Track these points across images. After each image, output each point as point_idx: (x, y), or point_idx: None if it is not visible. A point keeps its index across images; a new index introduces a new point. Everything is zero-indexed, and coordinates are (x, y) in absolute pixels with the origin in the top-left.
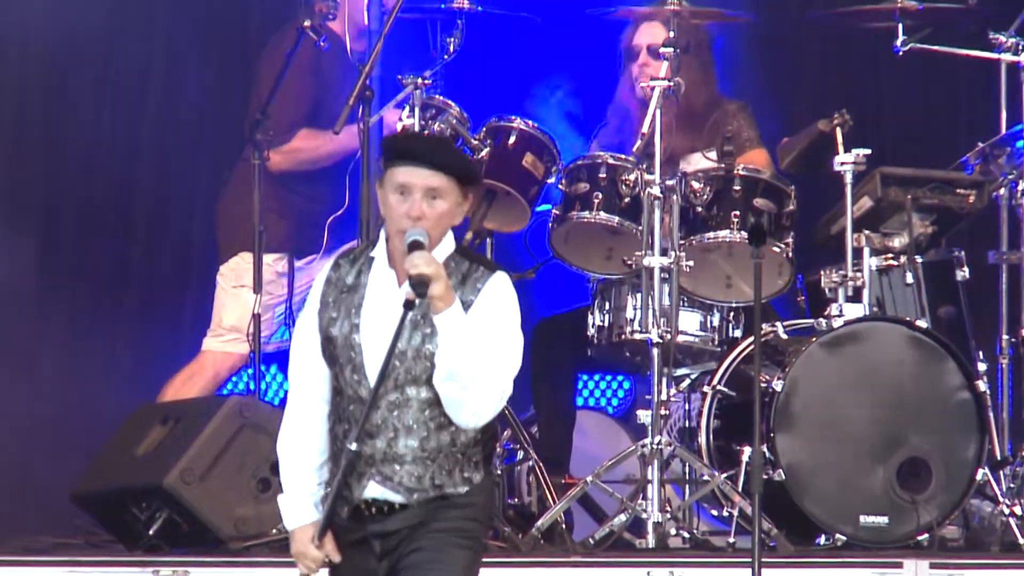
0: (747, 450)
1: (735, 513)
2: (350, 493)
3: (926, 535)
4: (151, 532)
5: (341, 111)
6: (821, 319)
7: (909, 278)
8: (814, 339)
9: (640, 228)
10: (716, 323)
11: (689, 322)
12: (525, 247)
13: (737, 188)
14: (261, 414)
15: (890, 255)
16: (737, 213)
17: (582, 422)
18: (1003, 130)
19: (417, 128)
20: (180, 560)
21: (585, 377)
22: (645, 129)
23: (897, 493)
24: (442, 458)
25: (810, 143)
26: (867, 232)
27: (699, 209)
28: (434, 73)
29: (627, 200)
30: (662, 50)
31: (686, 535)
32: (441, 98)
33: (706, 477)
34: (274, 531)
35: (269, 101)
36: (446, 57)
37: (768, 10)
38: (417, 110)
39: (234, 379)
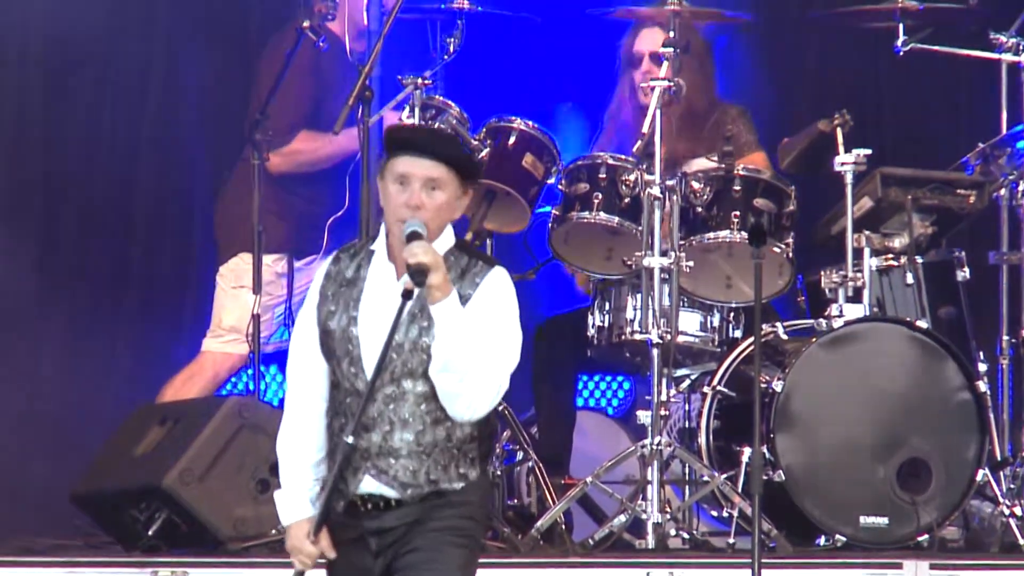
0: (747, 451)
1: (735, 514)
2: (345, 487)
3: (926, 536)
4: (150, 533)
5: (340, 112)
6: (821, 319)
7: (909, 278)
8: (814, 339)
9: (640, 228)
10: (716, 323)
11: (689, 322)
12: (525, 248)
13: (737, 188)
14: (260, 415)
15: (890, 255)
16: (737, 213)
17: (582, 423)
18: (1003, 130)
19: None
20: (179, 561)
21: (585, 378)
22: (645, 129)
23: (897, 494)
24: (437, 453)
25: (810, 143)
26: (867, 232)
27: (699, 209)
28: (434, 73)
29: (627, 200)
30: (662, 50)
31: (686, 536)
32: (441, 98)
33: (706, 478)
34: (273, 532)
35: (268, 101)
36: (446, 57)
37: (768, 10)
38: (417, 110)
39: (233, 379)
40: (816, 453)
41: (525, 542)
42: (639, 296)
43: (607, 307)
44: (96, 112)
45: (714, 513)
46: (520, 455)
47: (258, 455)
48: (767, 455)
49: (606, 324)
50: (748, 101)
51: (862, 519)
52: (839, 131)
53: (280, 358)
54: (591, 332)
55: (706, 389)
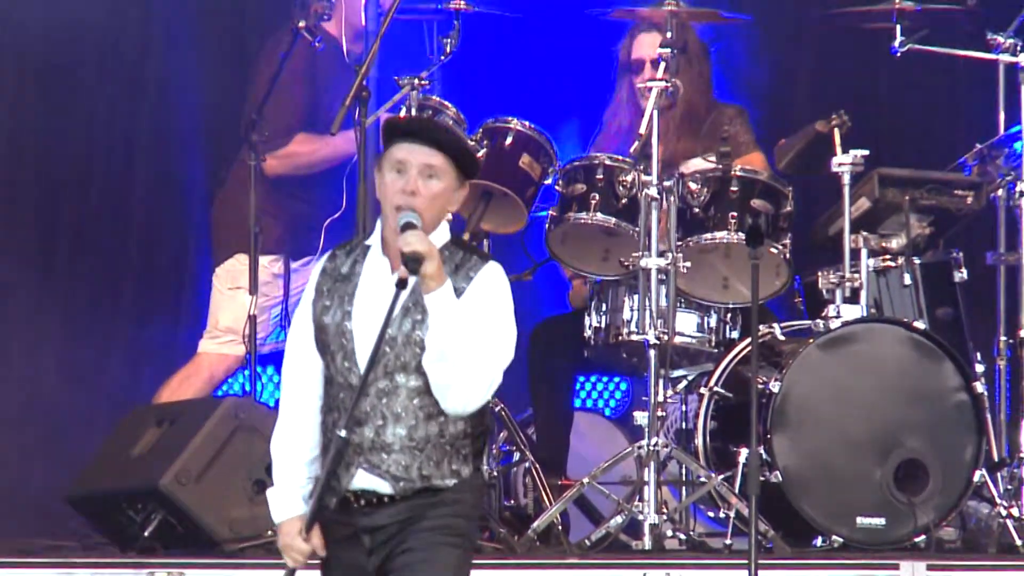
0: (744, 451)
1: (732, 515)
2: (338, 483)
3: (923, 537)
4: (146, 534)
5: (337, 113)
6: (818, 320)
7: (907, 279)
8: (811, 340)
9: (637, 229)
10: (713, 324)
11: (686, 323)
12: (522, 248)
13: (734, 189)
14: (256, 416)
15: (888, 256)
16: (734, 214)
17: (579, 423)
18: (1001, 131)
19: None
20: (175, 562)
21: (582, 378)
22: (642, 130)
23: (894, 495)
24: (430, 448)
25: (808, 144)
26: (865, 233)
27: (696, 210)
28: (430, 74)
29: (624, 201)
30: (659, 51)
31: (683, 537)
32: (438, 99)
33: (703, 478)
34: (269, 532)
35: (264, 102)
36: (443, 58)
37: (766, 11)
38: (414, 111)
39: (230, 381)
40: (813, 454)
41: (522, 543)
42: (636, 297)
43: (604, 308)
44: (93, 113)
45: (711, 514)
46: (517, 456)
47: (254, 456)
48: (764, 456)
49: (603, 325)
50: (745, 102)
51: (859, 520)
52: (836, 132)
53: (276, 359)
54: (588, 333)
55: (703, 390)
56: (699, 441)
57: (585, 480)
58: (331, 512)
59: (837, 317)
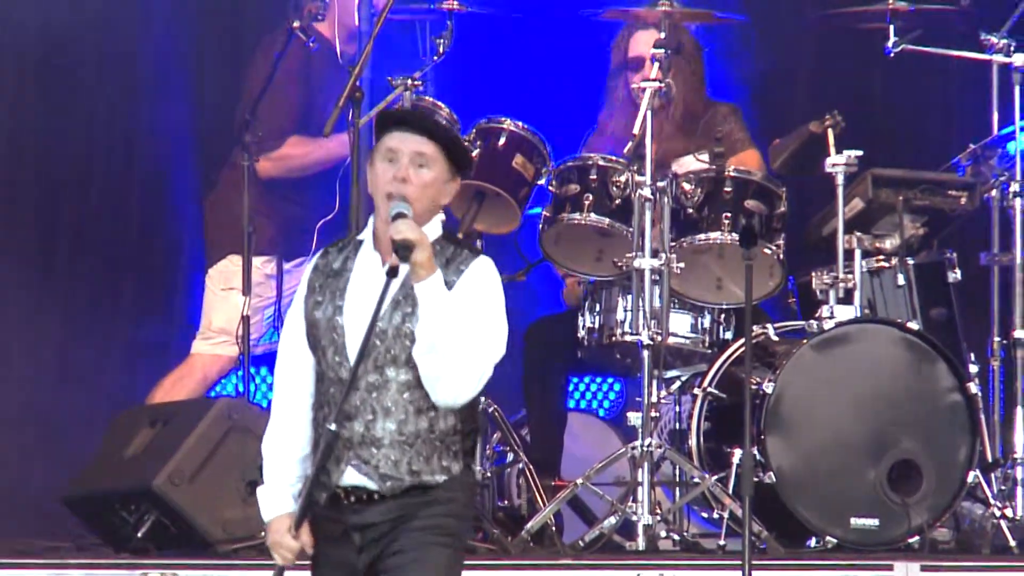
0: (737, 452)
1: (725, 515)
2: (328, 478)
3: (917, 537)
4: (139, 534)
5: (330, 114)
6: (812, 321)
7: (900, 280)
8: (805, 341)
9: (631, 230)
10: (707, 325)
11: (680, 324)
12: (515, 249)
13: (728, 190)
14: (249, 416)
15: (881, 257)
16: (728, 215)
17: (572, 424)
18: (995, 131)
19: None
20: (168, 563)
21: (576, 379)
22: (636, 130)
23: (888, 495)
24: (420, 443)
25: (801, 144)
26: (858, 234)
27: (690, 211)
28: (424, 74)
29: (618, 202)
30: (653, 51)
31: (676, 537)
32: (431, 99)
33: (696, 479)
34: (262, 533)
35: (258, 102)
36: (436, 58)
37: (759, 11)
38: None
39: (223, 381)
40: (807, 455)
41: (515, 544)
42: (630, 298)
43: (597, 308)
44: (90, 114)
45: (705, 515)
46: (510, 456)
47: (247, 457)
48: (758, 457)
49: (596, 325)
50: (740, 102)
51: (853, 520)
52: (830, 132)
53: (269, 360)
54: (581, 333)
55: (697, 391)
56: (693, 442)
57: (579, 481)
58: (321, 509)
59: (831, 318)
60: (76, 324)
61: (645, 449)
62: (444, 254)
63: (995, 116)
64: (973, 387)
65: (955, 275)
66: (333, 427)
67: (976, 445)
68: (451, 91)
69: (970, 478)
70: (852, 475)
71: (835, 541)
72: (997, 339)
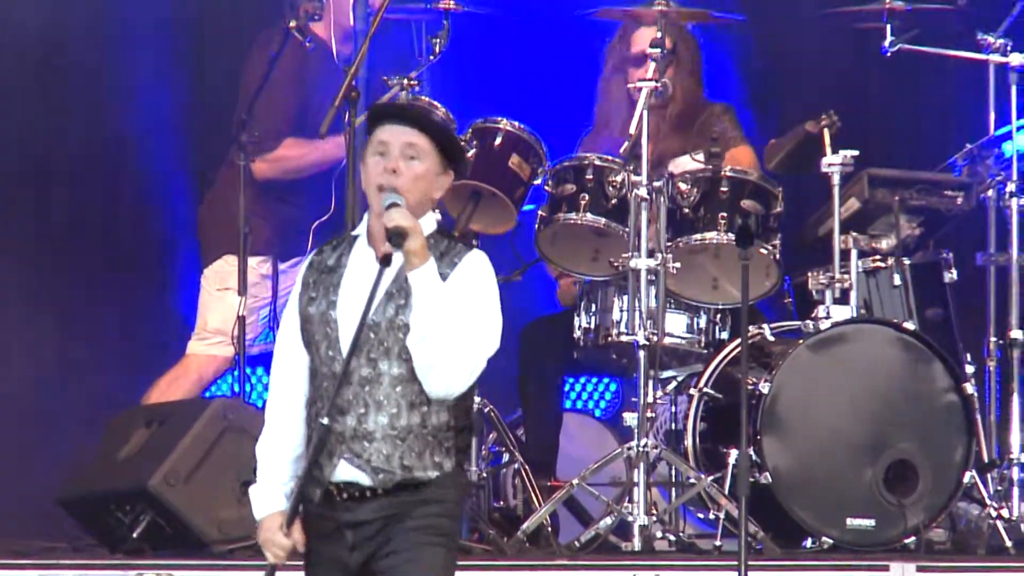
0: (733, 453)
1: (721, 516)
2: (321, 473)
3: (913, 538)
4: (135, 535)
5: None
6: (808, 321)
7: (897, 280)
8: (801, 341)
9: (627, 230)
10: (703, 325)
11: (676, 324)
12: (511, 249)
13: (724, 189)
14: (245, 416)
15: (877, 257)
16: (724, 215)
17: (568, 425)
18: (991, 131)
19: None
20: (164, 563)
21: (571, 379)
22: (632, 130)
23: (884, 496)
24: (412, 438)
25: (798, 144)
26: (854, 234)
27: (686, 210)
28: (420, 74)
29: (614, 201)
30: (649, 51)
31: (672, 538)
32: (427, 99)
33: (692, 480)
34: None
35: (254, 102)
36: (432, 58)
37: (757, 11)
38: None
39: (218, 382)
40: (803, 455)
41: (511, 544)
42: (625, 298)
43: (593, 309)
44: (83, 114)
45: (700, 515)
46: (506, 457)
47: (243, 457)
48: (754, 457)
49: (592, 326)
50: (736, 101)
51: (849, 521)
52: (826, 132)
53: (265, 360)
54: (577, 334)
55: (692, 391)
56: (689, 442)
57: (575, 481)
58: (314, 507)
59: (827, 318)
60: (71, 325)
61: (641, 449)
62: (438, 248)
63: (992, 116)
64: (969, 387)
65: (951, 275)
66: (325, 421)
67: (972, 445)
68: (447, 91)
69: (966, 478)
70: (848, 475)
71: (831, 541)
72: (993, 339)
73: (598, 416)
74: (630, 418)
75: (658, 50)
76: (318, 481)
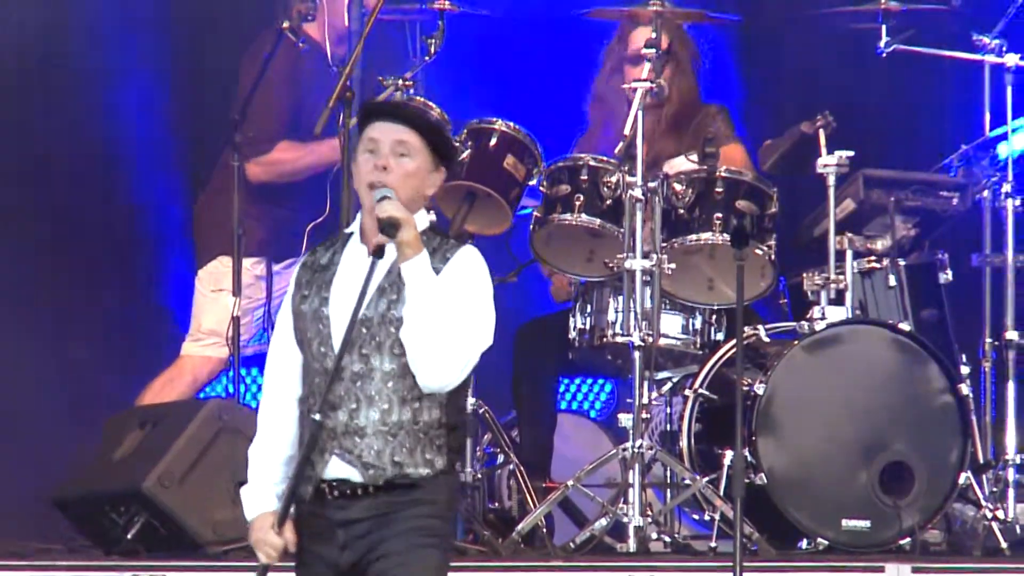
0: (729, 454)
1: (717, 517)
2: (313, 470)
3: (908, 539)
4: (129, 536)
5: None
6: (803, 322)
7: (892, 281)
8: (796, 342)
9: (622, 230)
10: (698, 326)
11: (671, 325)
12: (506, 250)
13: (719, 190)
14: (240, 417)
15: (873, 257)
16: (719, 215)
17: (563, 426)
18: (987, 132)
19: None
20: (158, 564)
21: (567, 380)
22: (627, 131)
23: (879, 497)
24: (403, 434)
25: (793, 145)
26: (850, 234)
27: (681, 211)
28: (415, 74)
29: (609, 202)
30: (644, 51)
31: (667, 539)
32: (422, 99)
33: (688, 481)
34: None
35: (248, 103)
36: (427, 58)
37: (752, 11)
38: None
39: (213, 383)
40: (798, 456)
41: (506, 545)
42: (621, 298)
43: (589, 309)
44: (74, 116)
45: (696, 516)
46: (501, 458)
47: (238, 458)
48: (749, 458)
49: (587, 326)
50: (731, 102)
51: (844, 522)
52: (822, 133)
53: (260, 361)
54: (572, 335)
55: (688, 392)
56: (684, 443)
57: (569, 482)
58: (305, 505)
59: (822, 319)
60: (65, 325)
61: (636, 450)
62: (431, 244)
63: (987, 117)
64: (965, 388)
65: (947, 276)
66: (317, 417)
67: (968, 447)
68: (442, 91)
69: (962, 480)
70: (843, 477)
71: (826, 543)
72: (989, 340)
73: (593, 417)
74: (625, 419)
75: (653, 50)
76: (310, 478)
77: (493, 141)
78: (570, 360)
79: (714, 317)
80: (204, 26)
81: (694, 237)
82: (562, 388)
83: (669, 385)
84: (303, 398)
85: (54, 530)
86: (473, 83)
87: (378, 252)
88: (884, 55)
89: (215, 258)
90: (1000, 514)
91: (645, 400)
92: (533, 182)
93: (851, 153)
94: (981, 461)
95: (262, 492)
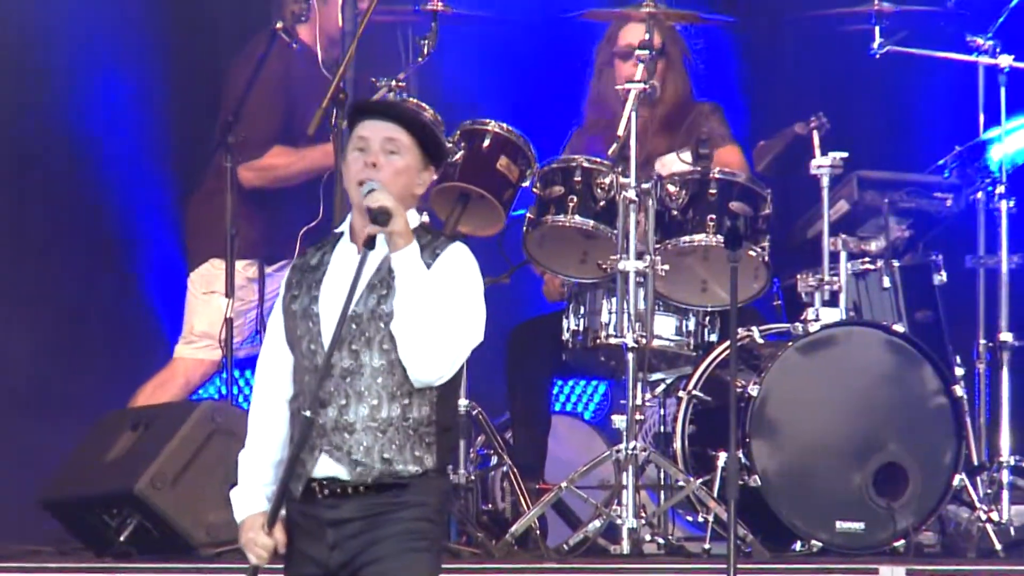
0: (722, 455)
1: (710, 519)
2: (303, 468)
3: (902, 541)
4: (121, 539)
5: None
6: (797, 323)
7: (886, 282)
8: (790, 343)
9: (615, 232)
10: (691, 327)
11: (664, 326)
12: (499, 251)
13: (713, 191)
14: (233, 419)
15: (867, 259)
16: (713, 217)
17: (557, 427)
18: (981, 133)
19: None
20: (150, 567)
21: (560, 382)
22: (620, 132)
23: (873, 499)
24: (392, 431)
25: (787, 146)
26: (844, 236)
27: (675, 213)
28: (407, 76)
29: (602, 203)
30: (638, 52)
31: (661, 541)
32: (415, 101)
33: (681, 483)
34: None
35: (241, 104)
36: (420, 59)
37: (746, 12)
38: None
39: (205, 385)
40: (792, 458)
41: (499, 547)
42: (614, 300)
43: (582, 311)
44: (65, 118)
45: (689, 518)
46: (494, 460)
47: (230, 460)
48: (743, 460)
49: (581, 328)
50: (725, 103)
51: (838, 524)
52: (816, 134)
53: (252, 363)
54: (566, 336)
55: (681, 393)
56: (677, 445)
57: (563, 484)
58: (295, 504)
59: (816, 320)
60: (53, 328)
61: (630, 452)
62: (420, 241)
63: (981, 118)
64: (959, 390)
65: (941, 277)
66: (308, 413)
67: (962, 448)
68: (435, 92)
69: (956, 481)
70: (837, 478)
71: (820, 545)
72: (983, 342)
73: (587, 419)
74: (619, 421)
75: (647, 52)
76: (300, 476)
77: (486, 142)
78: (563, 361)
79: (707, 318)
80: (197, 25)
81: (688, 238)
82: (556, 390)
83: (663, 387)
84: (293, 398)
85: (44, 532)
86: (466, 84)
87: (369, 243)
88: (878, 56)
89: (207, 260)
90: (994, 516)
91: (639, 402)
92: (526, 183)
93: (845, 154)
94: (975, 463)
95: (252, 494)
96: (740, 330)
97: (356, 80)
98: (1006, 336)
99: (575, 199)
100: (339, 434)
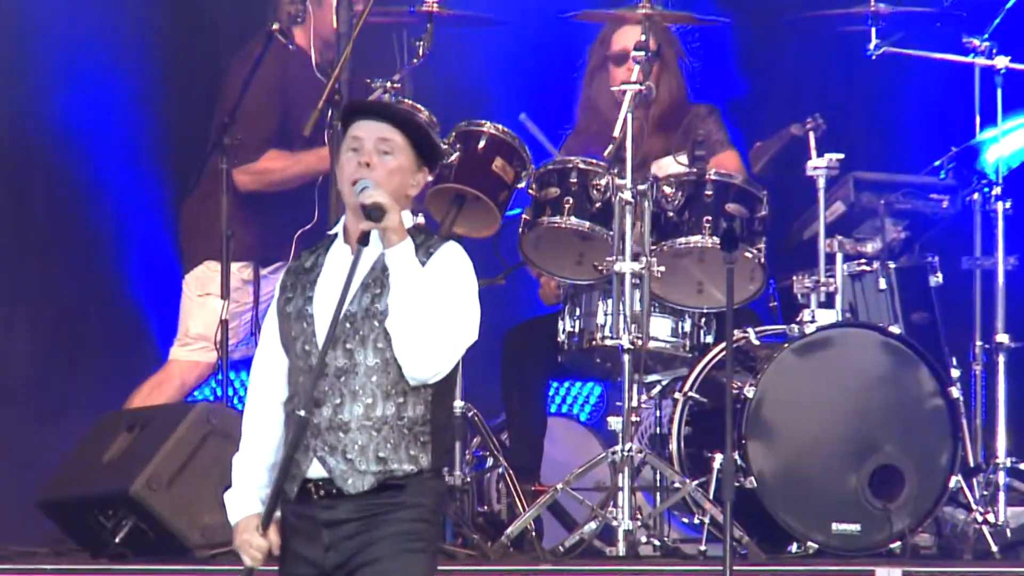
0: (718, 457)
1: (706, 521)
2: (298, 469)
3: (899, 543)
4: (117, 540)
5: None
6: (793, 325)
7: (882, 284)
8: (786, 345)
9: (611, 233)
10: (687, 329)
11: (660, 328)
12: (495, 252)
13: (709, 193)
14: (229, 421)
15: (863, 260)
16: (709, 218)
17: (553, 429)
18: (977, 134)
19: None
20: (146, 568)
21: (556, 384)
22: (616, 133)
23: (869, 500)
24: (387, 429)
25: (783, 147)
26: (840, 237)
27: (671, 214)
28: (402, 77)
29: (598, 205)
30: (633, 54)
31: (657, 543)
32: (410, 102)
33: (677, 484)
34: None
35: (237, 105)
36: (415, 61)
37: (741, 13)
38: None
39: (201, 386)
40: (788, 459)
41: (495, 549)
42: (610, 301)
43: (578, 312)
44: (61, 120)
45: (685, 520)
46: (490, 461)
47: (226, 462)
48: (739, 461)
49: (577, 329)
50: (721, 104)
51: (834, 526)
52: (812, 135)
53: (248, 365)
54: (562, 338)
55: (677, 395)
56: (673, 447)
57: (559, 486)
58: (291, 505)
59: (812, 322)
60: (48, 329)
61: (625, 454)
62: (415, 240)
63: (977, 119)
64: (955, 391)
65: (937, 279)
66: (302, 413)
67: (958, 450)
68: (430, 94)
69: (952, 483)
70: (834, 480)
71: (816, 546)
72: (979, 343)
73: (583, 420)
74: (614, 422)
75: (642, 53)
76: (295, 476)
77: (481, 144)
78: (559, 363)
79: (703, 320)
80: (197, 25)
81: (684, 240)
82: (551, 391)
83: (658, 388)
84: (288, 400)
85: (40, 533)
86: (461, 86)
87: (363, 240)
88: (874, 57)
89: (202, 263)
90: (991, 517)
91: (634, 403)
92: (522, 185)
93: (841, 156)
94: (971, 464)
95: (246, 495)
96: (736, 332)
97: (351, 82)
98: (1002, 338)
99: (571, 200)
100: (334, 433)
